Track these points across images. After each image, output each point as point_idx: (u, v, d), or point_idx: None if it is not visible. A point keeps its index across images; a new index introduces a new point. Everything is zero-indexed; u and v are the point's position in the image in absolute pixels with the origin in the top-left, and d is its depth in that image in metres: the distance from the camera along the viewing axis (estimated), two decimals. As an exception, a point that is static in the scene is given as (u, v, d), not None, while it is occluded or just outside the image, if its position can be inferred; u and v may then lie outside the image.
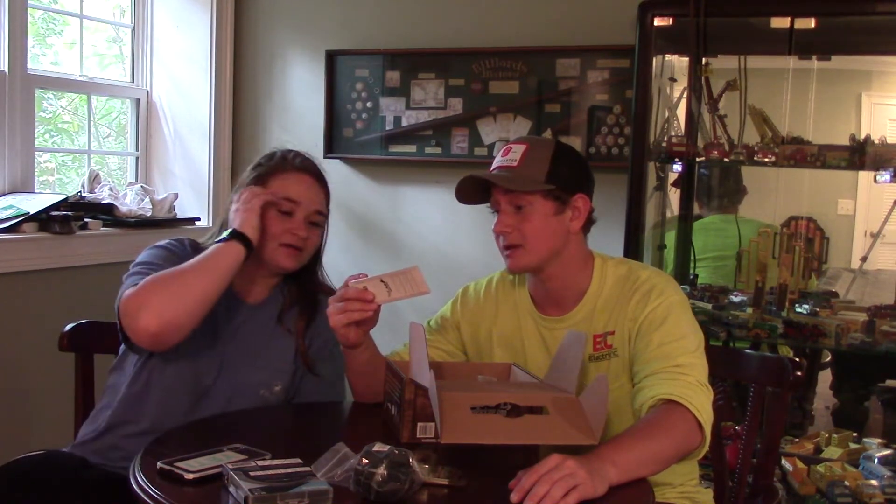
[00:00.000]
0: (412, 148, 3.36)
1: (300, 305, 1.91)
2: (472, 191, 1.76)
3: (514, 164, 1.71)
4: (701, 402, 1.56)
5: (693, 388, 1.56)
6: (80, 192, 3.19)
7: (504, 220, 1.71)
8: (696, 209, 3.11)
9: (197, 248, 1.85)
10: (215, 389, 1.81)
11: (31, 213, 2.84)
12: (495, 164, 1.75)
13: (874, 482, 2.46)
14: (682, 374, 1.57)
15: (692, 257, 2.89)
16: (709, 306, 2.70)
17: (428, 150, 3.33)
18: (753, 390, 1.93)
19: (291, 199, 1.84)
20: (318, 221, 1.91)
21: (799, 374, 1.85)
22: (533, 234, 1.69)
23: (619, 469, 1.39)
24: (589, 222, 1.76)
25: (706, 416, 1.55)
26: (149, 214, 3.29)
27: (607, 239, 2.65)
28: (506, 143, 1.79)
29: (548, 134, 3.14)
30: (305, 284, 1.93)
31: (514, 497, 1.29)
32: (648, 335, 1.65)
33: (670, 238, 2.99)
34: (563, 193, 1.71)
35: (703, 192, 3.16)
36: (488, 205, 1.77)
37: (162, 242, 1.87)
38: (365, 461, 1.29)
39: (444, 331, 1.87)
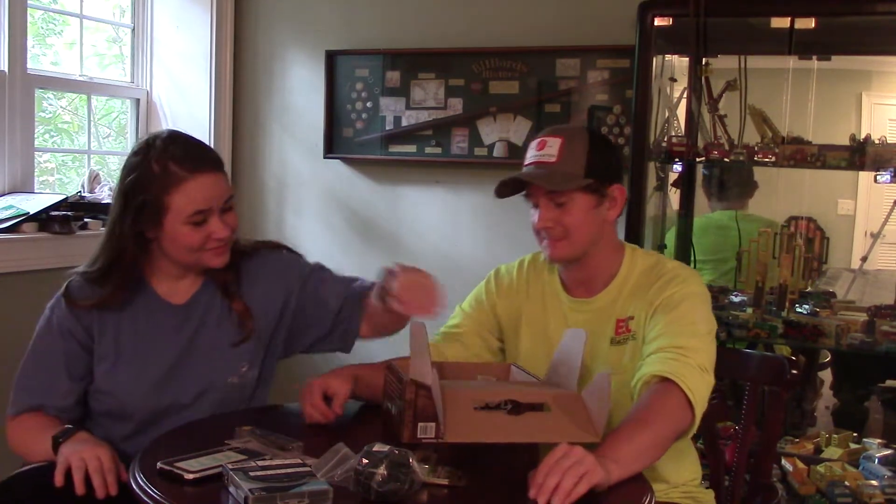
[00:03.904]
0: (412, 148, 3.36)
1: (226, 275, 1.84)
2: (508, 186, 1.76)
3: (553, 159, 1.70)
4: (695, 383, 1.56)
5: (690, 368, 1.57)
6: (80, 192, 3.19)
7: (545, 215, 1.71)
8: (706, 203, 3.11)
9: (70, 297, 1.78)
10: (182, 397, 1.78)
11: (31, 213, 2.84)
12: (531, 158, 1.74)
13: (874, 482, 2.46)
14: (683, 356, 1.58)
15: (692, 257, 2.88)
16: (709, 306, 2.70)
17: (428, 150, 3.33)
18: (749, 388, 1.93)
19: (201, 210, 1.70)
20: (232, 205, 1.77)
21: (795, 372, 1.85)
22: (574, 227, 1.71)
23: (620, 465, 1.40)
24: (623, 209, 1.79)
25: (698, 397, 1.55)
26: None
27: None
28: (541, 136, 1.76)
29: (548, 134, 3.13)
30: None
31: (531, 493, 1.31)
32: (660, 316, 1.67)
33: (671, 238, 2.98)
34: (601, 186, 1.73)
35: (712, 186, 3.16)
36: (523, 195, 1.78)
37: (41, 333, 1.81)
38: (365, 461, 1.29)
39: (480, 315, 1.88)
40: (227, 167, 3.58)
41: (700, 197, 3.08)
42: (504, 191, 1.77)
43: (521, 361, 1.81)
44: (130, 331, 1.79)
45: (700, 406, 1.56)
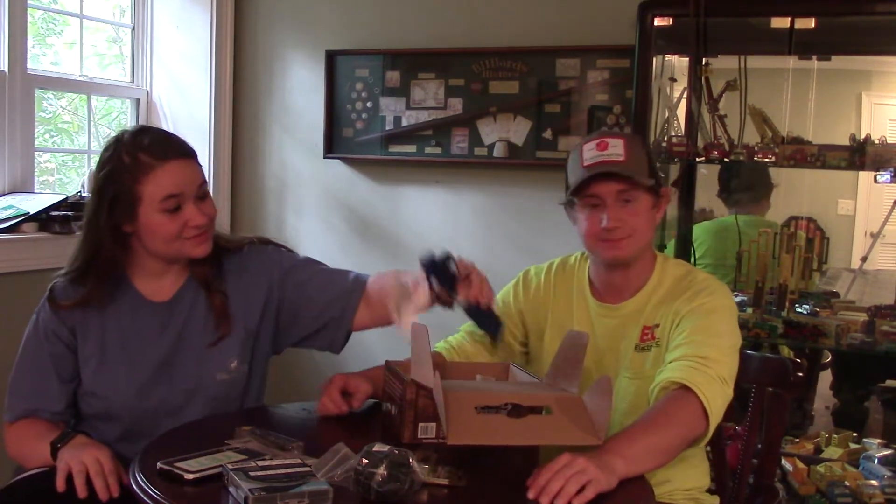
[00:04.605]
0: (412, 148, 3.35)
1: (209, 271, 1.84)
2: (583, 184, 1.75)
3: (621, 158, 1.72)
4: (713, 392, 1.56)
5: (709, 378, 1.57)
6: (80, 192, 3.18)
7: (613, 214, 1.72)
8: (706, 203, 3.11)
9: (53, 300, 1.79)
10: (172, 397, 1.78)
11: (31, 213, 2.84)
12: (595, 158, 1.73)
13: (874, 482, 2.46)
14: (704, 366, 1.59)
15: (692, 259, 2.88)
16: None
17: (428, 150, 3.33)
18: (754, 391, 1.93)
19: (173, 194, 1.70)
20: (206, 191, 1.78)
21: (800, 374, 1.85)
22: (640, 225, 1.73)
23: (626, 461, 1.40)
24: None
25: (714, 407, 1.56)
26: (149, 214, 3.29)
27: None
28: (598, 138, 1.77)
29: (548, 134, 3.13)
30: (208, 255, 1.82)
31: (530, 494, 1.31)
32: (686, 325, 1.68)
33: (671, 238, 2.98)
34: (658, 187, 1.77)
35: (728, 190, 3.15)
36: (569, 197, 1.79)
37: (29, 338, 1.82)
38: (365, 461, 1.29)
39: (506, 318, 1.89)
40: (227, 167, 3.62)
41: (700, 198, 3.08)
42: (580, 191, 1.75)
43: (544, 363, 1.81)
44: (115, 330, 1.79)
45: (715, 416, 1.57)
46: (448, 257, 1.66)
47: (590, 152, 1.75)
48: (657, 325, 1.74)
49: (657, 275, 1.79)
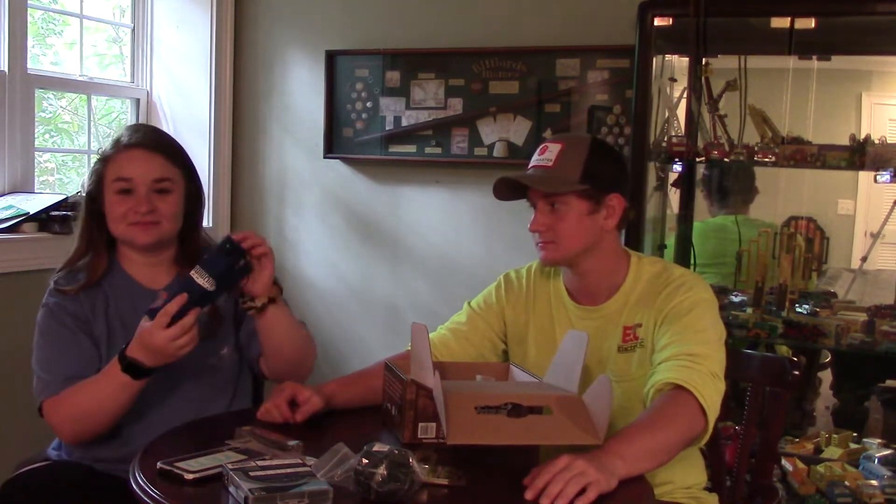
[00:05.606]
0: (412, 148, 3.36)
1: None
2: (508, 189, 1.79)
3: (550, 163, 1.73)
4: (708, 389, 1.57)
5: (703, 375, 1.58)
6: (80, 192, 3.18)
7: (539, 218, 1.75)
8: (707, 207, 3.11)
9: (63, 290, 1.84)
10: (169, 379, 1.81)
11: (31, 213, 2.84)
12: (532, 162, 1.78)
13: (874, 482, 2.46)
14: (695, 363, 1.59)
15: (692, 260, 2.88)
16: (709, 306, 2.69)
17: (428, 150, 3.33)
18: (751, 389, 1.93)
19: (122, 177, 1.82)
20: (165, 188, 1.85)
21: (797, 373, 1.85)
22: (565, 232, 1.73)
23: (626, 462, 1.41)
24: (624, 220, 1.79)
25: (711, 404, 1.56)
26: (149, 214, 3.29)
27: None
28: (545, 142, 1.81)
29: (548, 134, 3.13)
30: (191, 250, 1.91)
31: (528, 495, 1.31)
32: (670, 324, 1.68)
33: (671, 238, 2.98)
34: (597, 193, 1.73)
35: (714, 191, 3.15)
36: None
37: (45, 321, 1.84)
38: (365, 461, 1.29)
39: (490, 316, 1.90)
40: (227, 167, 3.62)
41: (700, 199, 3.08)
42: (504, 193, 1.79)
43: (529, 370, 1.81)
44: (117, 314, 1.86)
45: (713, 413, 1.57)
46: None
47: (535, 155, 1.79)
48: (639, 325, 1.74)
49: (633, 274, 1.79)
